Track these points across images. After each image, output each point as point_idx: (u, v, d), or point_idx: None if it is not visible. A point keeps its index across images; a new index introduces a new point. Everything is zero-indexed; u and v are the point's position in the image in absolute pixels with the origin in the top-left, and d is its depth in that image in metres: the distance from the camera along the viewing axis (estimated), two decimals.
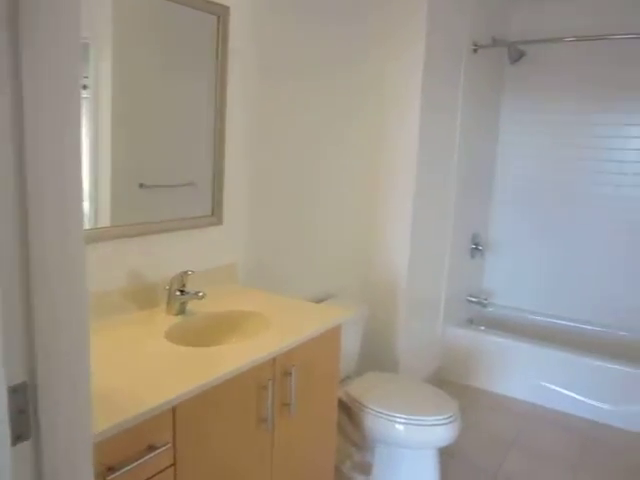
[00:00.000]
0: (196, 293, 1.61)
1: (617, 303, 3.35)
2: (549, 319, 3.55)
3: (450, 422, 2.00)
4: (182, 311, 1.62)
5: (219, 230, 1.89)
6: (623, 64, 3.17)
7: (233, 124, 1.87)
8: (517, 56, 3.37)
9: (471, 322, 3.50)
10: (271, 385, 1.38)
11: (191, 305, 1.66)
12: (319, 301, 2.37)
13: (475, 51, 3.01)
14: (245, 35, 1.86)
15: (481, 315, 3.64)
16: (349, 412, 2.12)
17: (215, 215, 1.86)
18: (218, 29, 1.75)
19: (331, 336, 1.65)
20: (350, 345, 2.32)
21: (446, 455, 2.31)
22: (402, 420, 2.01)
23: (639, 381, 2.78)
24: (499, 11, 3.36)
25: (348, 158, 2.59)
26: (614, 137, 3.26)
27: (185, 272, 1.63)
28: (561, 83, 3.36)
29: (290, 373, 1.45)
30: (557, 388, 2.98)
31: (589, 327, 3.42)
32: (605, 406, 2.85)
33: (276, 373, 1.42)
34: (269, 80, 2.01)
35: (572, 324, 3.47)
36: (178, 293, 1.61)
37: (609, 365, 2.85)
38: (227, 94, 1.82)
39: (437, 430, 1.99)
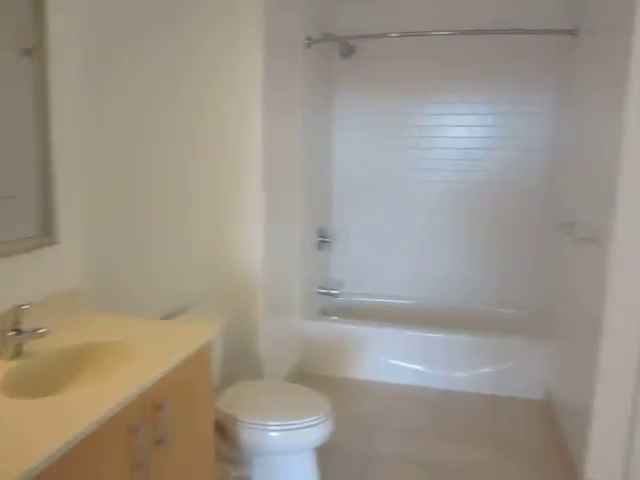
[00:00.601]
0: (35, 331, 1.36)
1: (454, 280, 3.69)
2: (396, 300, 3.78)
3: (323, 422, 1.99)
4: (18, 354, 1.36)
5: (55, 251, 1.63)
6: (446, 59, 3.45)
7: (63, 123, 1.61)
8: (347, 51, 3.47)
9: (324, 313, 3.58)
10: (142, 425, 1.22)
11: (31, 345, 1.40)
12: (178, 314, 2.20)
13: (309, 45, 3.03)
14: (71, 18, 1.61)
15: (334, 305, 3.75)
16: (221, 428, 2.01)
17: (47, 234, 1.59)
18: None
19: (200, 356, 1.53)
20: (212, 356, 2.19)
21: (320, 450, 2.32)
22: (276, 428, 1.95)
23: (481, 347, 3.08)
24: (328, 5, 3.43)
25: (195, 158, 2.44)
26: (440, 127, 3.55)
27: (19, 306, 1.37)
28: (390, 77, 3.56)
29: (162, 406, 1.30)
30: (410, 365, 3.18)
31: (431, 304, 3.71)
32: (457, 374, 3.12)
33: (146, 410, 1.26)
34: (103, 72, 1.78)
35: (415, 302, 3.74)
36: (12, 333, 1.34)
37: (453, 336, 3.11)
38: (50, 87, 1.55)
39: (311, 432, 1.97)
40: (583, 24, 2.74)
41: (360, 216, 3.80)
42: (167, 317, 2.18)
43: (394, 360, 3.21)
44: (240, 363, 2.69)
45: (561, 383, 2.75)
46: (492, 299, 3.63)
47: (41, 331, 1.36)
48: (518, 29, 3.15)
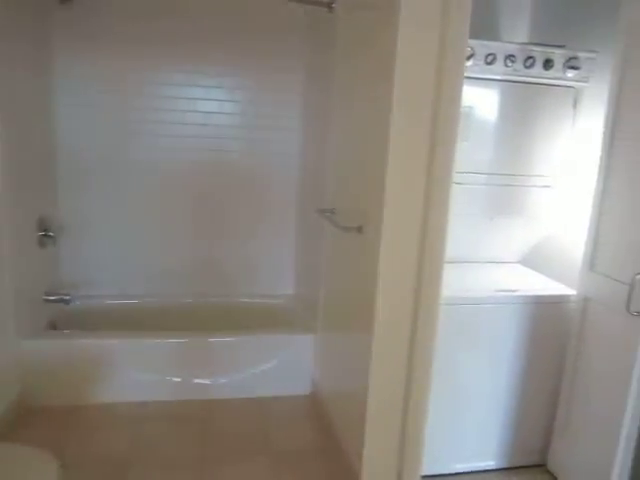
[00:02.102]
0: None
1: (209, 273, 3.32)
2: (144, 301, 3.24)
3: None
4: None
5: None
6: (195, 20, 2.99)
7: None
8: None
9: (54, 327, 2.86)
10: None
11: None
12: None
13: None
14: None
15: (67, 314, 3.02)
16: None
17: None
18: None
19: None
20: None
21: None
22: None
23: (243, 347, 2.79)
24: None
25: None
26: (188, 100, 3.09)
27: None
28: (119, 37, 2.95)
29: None
30: (166, 377, 2.73)
31: (184, 301, 3.28)
32: (220, 381, 2.77)
33: None
34: None
35: (165, 301, 3.26)
36: None
37: (212, 339, 2.76)
38: None
39: None
40: None
41: (94, 203, 3.12)
42: None
43: (146, 374, 2.70)
44: None
45: (331, 376, 2.64)
46: (251, 291, 3.37)
47: None
48: None
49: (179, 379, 2.73)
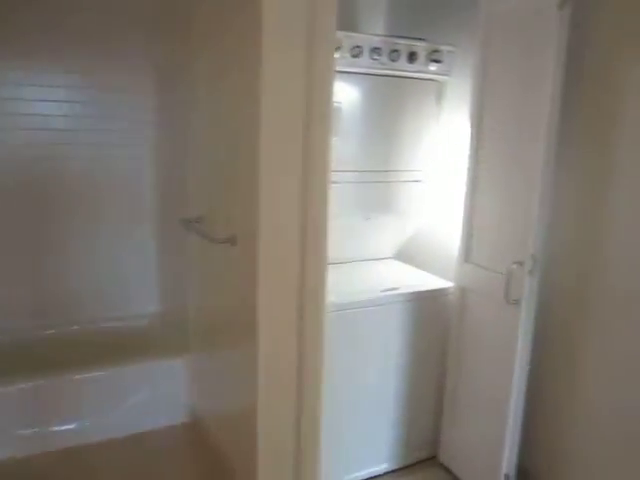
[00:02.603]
0: None
1: (52, 296, 2.85)
2: None
3: None
4: None
5: None
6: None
7: None
8: None
9: None
10: None
11: None
12: None
13: None
14: None
15: None
16: None
17: None
18: None
19: None
20: None
21: None
22: None
23: (105, 383, 2.44)
24: None
25: None
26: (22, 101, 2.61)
27: None
28: None
29: None
30: (17, 431, 2.28)
31: (28, 333, 2.79)
32: (84, 424, 2.38)
33: None
34: None
35: (16, 335, 2.75)
36: None
37: (66, 377, 2.37)
38: None
39: None
40: None
41: None
42: None
43: None
44: None
45: (213, 398, 2.41)
46: (107, 314, 2.91)
47: None
48: None
49: (30, 430, 2.30)
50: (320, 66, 1.66)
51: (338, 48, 2.04)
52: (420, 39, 2.25)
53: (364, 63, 2.14)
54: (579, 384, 1.99)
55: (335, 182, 1.95)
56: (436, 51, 2.24)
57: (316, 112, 1.69)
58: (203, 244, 2.21)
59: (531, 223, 1.85)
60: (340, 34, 2.00)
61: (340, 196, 2.11)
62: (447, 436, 2.32)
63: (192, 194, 2.44)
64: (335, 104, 2.05)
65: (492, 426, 2.05)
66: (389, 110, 2.30)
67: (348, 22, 2.53)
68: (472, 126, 2.09)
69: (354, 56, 2.10)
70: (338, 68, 2.06)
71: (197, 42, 2.26)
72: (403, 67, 2.21)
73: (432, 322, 2.27)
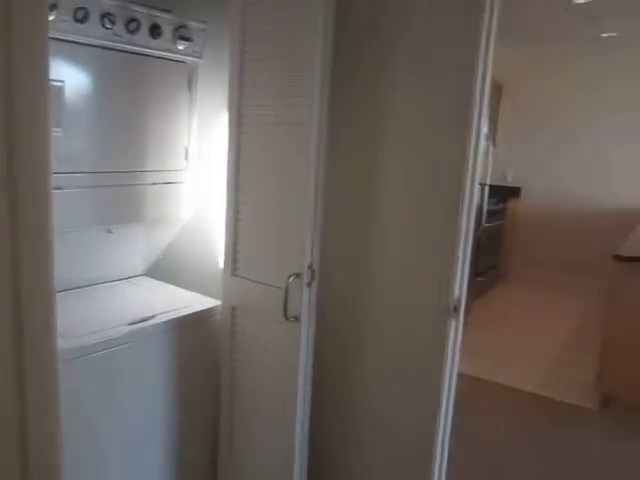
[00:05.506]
0: None
1: None
2: None
3: None
4: None
5: None
6: None
7: None
8: None
9: None
10: None
11: None
12: None
13: None
14: None
15: None
16: None
17: None
18: None
19: None
20: None
21: None
22: None
23: None
24: None
25: None
26: None
27: None
28: None
29: None
30: None
31: None
32: None
33: None
34: None
35: None
36: None
37: None
38: None
39: None
40: None
41: None
42: None
43: None
44: None
45: None
46: None
47: None
48: None
49: None
50: (25, 27, 1.15)
51: (53, 7, 1.51)
52: (165, 10, 1.85)
53: (94, 32, 1.65)
54: (357, 402, 1.89)
55: (59, 188, 1.45)
56: (184, 27, 1.87)
57: (22, 92, 1.18)
58: None
59: (306, 230, 1.64)
60: None
61: (69, 205, 1.61)
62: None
63: None
64: (54, 84, 1.55)
65: (278, 452, 1.80)
66: (131, 95, 1.85)
67: None
68: (231, 121, 1.79)
69: (78, 20, 1.59)
70: (57, 35, 1.56)
71: None
72: (145, 42, 1.78)
73: (200, 351, 1.91)
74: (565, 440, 2.69)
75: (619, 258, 2.93)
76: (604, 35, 4.75)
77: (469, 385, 1.67)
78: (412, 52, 1.65)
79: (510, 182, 5.77)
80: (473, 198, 1.62)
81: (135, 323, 1.71)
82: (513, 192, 5.69)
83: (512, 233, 5.67)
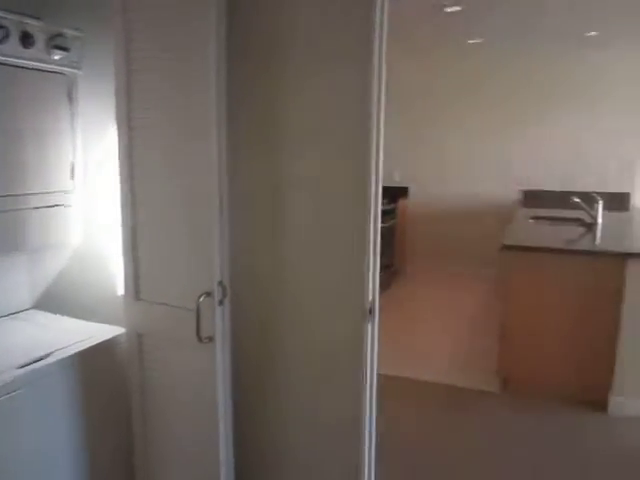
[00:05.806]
0: None
1: None
2: None
3: None
4: None
5: None
6: None
7: None
8: None
9: None
10: None
11: None
12: None
13: None
14: None
15: None
16: None
17: None
18: None
19: None
20: None
21: None
22: None
23: None
24: None
25: None
26: None
27: None
28: None
29: None
30: None
31: None
32: None
33: None
34: None
35: None
36: None
37: None
38: None
39: None
40: None
41: None
42: None
43: None
44: None
45: None
46: None
47: None
48: None
49: None
50: None
51: None
52: (35, 17, 1.68)
53: None
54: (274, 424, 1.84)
55: None
56: (59, 35, 1.71)
57: None
58: None
59: (213, 245, 1.56)
60: None
61: None
62: None
63: None
64: None
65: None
66: (3, 110, 1.66)
67: None
68: (120, 133, 1.66)
69: None
70: None
71: None
72: (16, 52, 1.60)
73: (107, 384, 1.76)
74: (472, 421, 2.83)
75: (509, 248, 3.14)
76: (470, 42, 5.12)
77: (381, 383, 1.72)
78: (306, 51, 1.63)
79: (398, 182, 5.99)
80: (378, 200, 1.64)
81: (27, 365, 1.52)
82: (402, 192, 5.92)
83: (404, 231, 5.88)
